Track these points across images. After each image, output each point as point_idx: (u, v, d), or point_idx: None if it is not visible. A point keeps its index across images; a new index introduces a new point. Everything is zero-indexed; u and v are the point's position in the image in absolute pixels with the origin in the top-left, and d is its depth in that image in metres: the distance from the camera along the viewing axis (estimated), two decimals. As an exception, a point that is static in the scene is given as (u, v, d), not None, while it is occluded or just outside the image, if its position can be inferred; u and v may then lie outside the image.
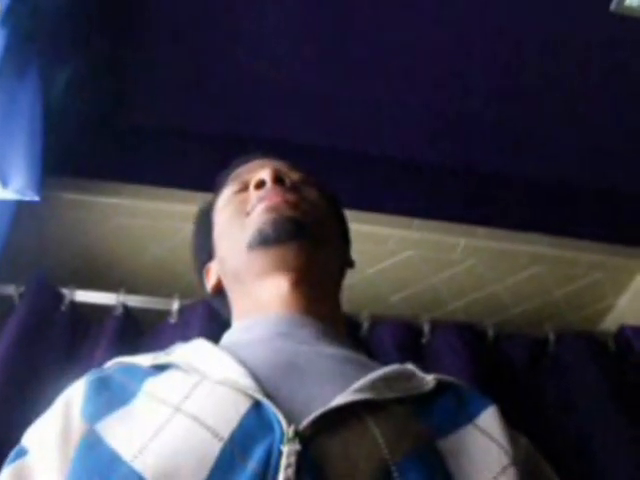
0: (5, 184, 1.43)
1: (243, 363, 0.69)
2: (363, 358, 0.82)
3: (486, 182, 2.05)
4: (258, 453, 0.59)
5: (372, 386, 0.68)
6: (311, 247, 0.87)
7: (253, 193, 0.93)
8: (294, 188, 0.93)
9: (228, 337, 0.90)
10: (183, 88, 1.88)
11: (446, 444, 0.66)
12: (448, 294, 1.94)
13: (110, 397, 0.71)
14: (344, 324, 0.95)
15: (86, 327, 1.62)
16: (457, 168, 2.04)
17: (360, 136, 1.99)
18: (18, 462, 0.70)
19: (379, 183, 1.96)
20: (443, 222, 1.87)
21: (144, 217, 1.76)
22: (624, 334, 1.82)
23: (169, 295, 1.68)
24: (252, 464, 0.58)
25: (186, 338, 1.58)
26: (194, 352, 0.76)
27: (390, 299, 1.93)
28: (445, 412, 0.71)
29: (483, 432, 0.69)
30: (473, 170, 2.05)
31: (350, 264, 1.03)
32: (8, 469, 0.69)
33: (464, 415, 0.71)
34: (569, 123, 1.96)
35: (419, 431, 0.66)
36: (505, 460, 0.66)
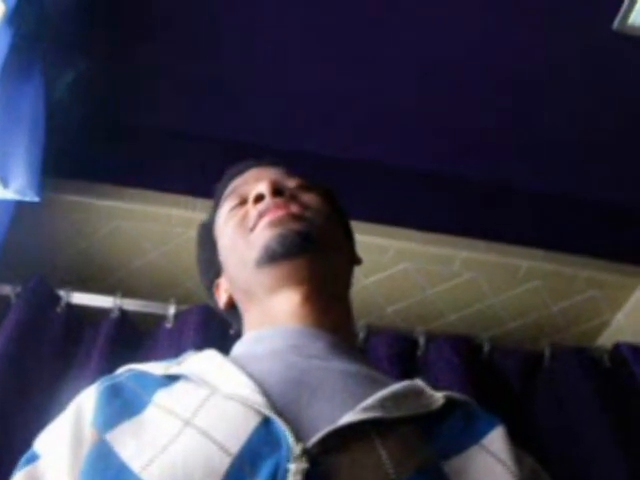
0: (5, 184, 1.43)
1: (253, 378, 0.69)
2: (373, 372, 0.81)
3: (486, 195, 2.05)
4: (265, 470, 0.59)
5: (381, 404, 0.68)
6: (319, 258, 0.86)
7: (252, 208, 0.92)
8: (294, 197, 0.92)
9: (239, 348, 0.89)
10: (185, 92, 1.89)
11: (452, 465, 0.65)
12: (445, 307, 1.94)
13: (121, 406, 0.71)
14: (355, 334, 0.94)
15: (82, 330, 1.62)
16: (456, 180, 2.04)
17: (361, 145, 1.99)
18: (30, 467, 0.70)
19: (378, 193, 1.96)
20: (442, 234, 1.87)
21: (143, 221, 1.76)
22: (620, 351, 1.82)
23: (165, 300, 1.68)
24: None
25: (182, 343, 1.58)
26: (205, 364, 0.76)
27: (386, 310, 1.93)
28: (452, 432, 0.70)
29: (489, 452, 0.68)
30: (473, 183, 2.05)
31: (357, 261, 1.03)
32: (20, 474, 0.69)
33: (471, 435, 0.71)
34: (570, 138, 1.97)
35: (425, 452, 0.66)
36: None
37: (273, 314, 0.87)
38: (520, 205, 2.05)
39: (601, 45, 1.75)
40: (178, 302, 1.67)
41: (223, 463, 0.59)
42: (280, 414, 0.64)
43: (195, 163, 1.86)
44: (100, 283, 1.80)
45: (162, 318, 1.65)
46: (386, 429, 0.65)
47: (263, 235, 0.86)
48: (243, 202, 0.96)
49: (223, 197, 1.02)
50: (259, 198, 0.91)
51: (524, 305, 1.95)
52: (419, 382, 0.77)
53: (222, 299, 1.00)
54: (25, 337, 1.50)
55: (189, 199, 1.74)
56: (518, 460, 0.69)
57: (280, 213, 0.87)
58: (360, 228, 1.65)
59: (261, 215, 0.89)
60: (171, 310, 1.65)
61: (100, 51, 1.77)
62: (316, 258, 0.86)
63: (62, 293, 1.63)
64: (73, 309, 1.63)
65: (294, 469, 0.58)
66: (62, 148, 1.65)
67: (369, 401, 0.67)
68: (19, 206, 1.58)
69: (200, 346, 0.88)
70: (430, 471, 0.64)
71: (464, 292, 1.91)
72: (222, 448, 0.61)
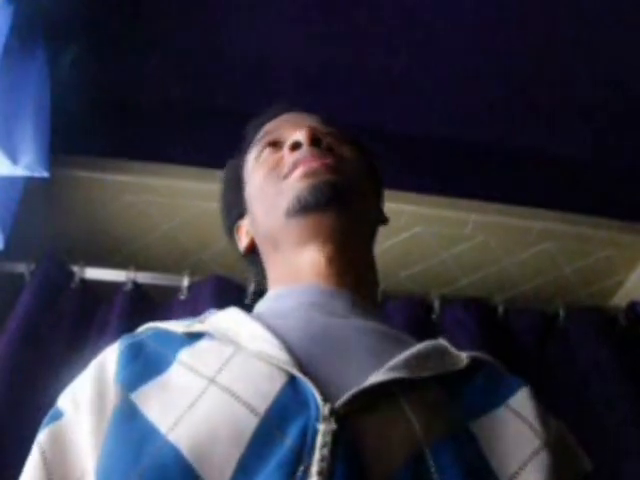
0: (14, 161, 1.43)
1: (277, 335, 0.68)
2: (395, 332, 0.80)
3: (496, 158, 2.04)
4: (295, 430, 0.58)
5: (406, 364, 0.67)
6: (349, 211, 0.85)
7: (288, 155, 0.89)
8: (330, 149, 0.90)
9: (261, 305, 0.88)
10: (190, 64, 1.88)
11: (479, 425, 0.65)
12: (458, 270, 1.93)
13: (145, 365, 0.70)
14: (376, 293, 0.93)
15: (96, 304, 1.63)
16: (467, 144, 2.03)
17: (371, 111, 1.98)
18: (54, 424, 0.69)
19: (388, 159, 1.95)
20: (453, 198, 1.86)
21: (154, 194, 1.75)
22: (635, 310, 1.82)
23: (179, 272, 1.69)
24: (288, 440, 0.57)
25: (196, 314, 1.58)
26: (229, 322, 0.75)
27: (400, 275, 1.93)
28: (478, 392, 0.70)
29: (515, 414, 0.68)
30: (483, 146, 2.04)
31: (384, 221, 1.01)
32: (44, 431, 0.69)
33: (497, 396, 0.70)
34: (587, 103, 1.95)
35: (452, 413, 0.65)
36: (537, 442, 0.64)
37: (296, 270, 0.86)
38: (530, 167, 2.04)
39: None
40: (191, 274, 1.67)
41: (250, 423, 0.59)
42: (305, 372, 0.63)
43: (205, 135, 1.85)
44: (113, 258, 1.80)
45: (176, 290, 1.66)
46: (412, 389, 0.65)
47: (296, 185, 0.84)
48: (277, 146, 0.94)
49: (256, 138, 0.99)
50: (296, 146, 0.89)
51: (538, 267, 1.94)
52: (443, 342, 0.76)
53: (243, 242, 0.99)
54: (40, 313, 1.51)
55: (200, 171, 1.74)
56: (544, 421, 0.68)
57: (316, 164, 0.85)
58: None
59: (296, 164, 0.86)
60: (184, 282, 1.66)
61: (103, 25, 1.76)
62: (345, 210, 0.84)
63: (76, 269, 1.64)
64: (87, 284, 1.64)
65: (323, 430, 0.57)
66: (70, 124, 1.64)
67: (395, 361, 0.66)
68: (30, 184, 1.59)
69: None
70: (458, 433, 0.63)
71: (477, 255, 1.90)
72: (249, 407, 0.60)
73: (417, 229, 1.84)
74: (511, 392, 0.71)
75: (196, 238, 1.81)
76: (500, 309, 1.76)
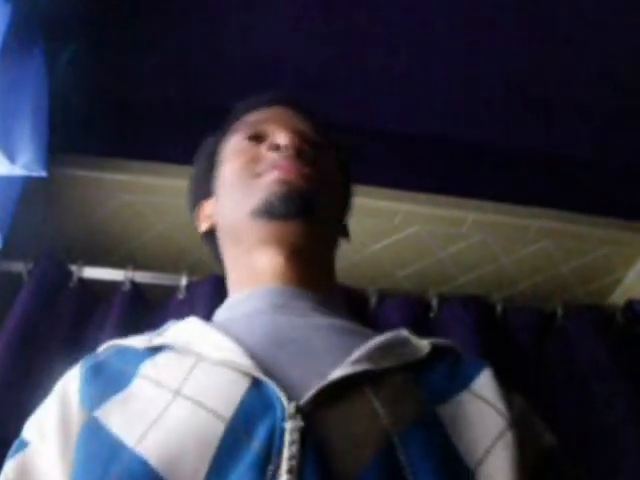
0: (12, 160, 1.43)
1: (239, 340, 0.69)
2: (358, 327, 0.81)
3: (495, 157, 2.04)
4: (261, 432, 0.58)
5: (368, 357, 0.68)
6: (314, 226, 0.85)
7: (268, 154, 0.88)
8: (312, 160, 0.88)
9: (222, 312, 0.88)
10: (190, 64, 1.88)
11: (445, 410, 0.66)
12: (456, 269, 1.93)
13: (106, 383, 0.70)
14: (338, 293, 0.93)
15: (94, 303, 1.63)
16: (466, 143, 2.03)
17: (371, 111, 1.98)
18: (20, 455, 0.69)
19: (385, 158, 1.95)
20: (450, 197, 1.86)
21: (152, 194, 1.76)
22: (632, 308, 1.82)
23: (177, 271, 1.69)
24: (256, 443, 0.58)
25: (194, 314, 1.58)
26: (188, 332, 0.75)
27: (397, 274, 1.93)
28: (441, 379, 0.71)
29: (479, 397, 0.69)
30: (482, 145, 2.04)
31: (346, 234, 1.01)
32: (11, 462, 0.69)
33: (460, 380, 0.71)
34: (581, 102, 1.95)
35: (418, 400, 0.66)
36: (502, 424, 0.66)
37: (256, 271, 0.86)
38: (528, 165, 2.04)
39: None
40: (189, 273, 1.67)
41: (217, 429, 0.59)
42: (269, 374, 0.63)
43: (203, 135, 1.84)
44: (111, 257, 1.80)
45: (174, 289, 1.66)
46: (377, 380, 0.66)
47: (268, 188, 0.84)
48: (258, 139, 0.92)
49: (242, 122, 0.98)
50: (277, 147, 0.88)
51: (536, 265, 1.95)
52: (403, 332, 0.78)
53: (203, 226, 0.98)
54: (38, 313, 1.51)
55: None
56: (507, 401, 0.69)
57: (293, 172, 0.85)
58: (368, 192, 1.64)
59: (273, 166, 0.86)
60: (183, 281, 1.66)
61: (101, 25, 1.76)
62: (310, 225, 0.84)
63: (74, 268, 1.64)
64: (85, 284, 1.64)
65: (290, 427, 0.58)
66: (68, 123, 1.64)
67: (357, 354, 0.67)
68: (27, 183, 1.59)
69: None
70: (426, 419, 0.64)
71: (475, 254, 1.90)
72: (215, 414, 0.60)
73: (415, 228, 1.84)
74: (473, 375, 0.72)
75: (194, 238, 1.78)
76: (498, 307, 1.76)
